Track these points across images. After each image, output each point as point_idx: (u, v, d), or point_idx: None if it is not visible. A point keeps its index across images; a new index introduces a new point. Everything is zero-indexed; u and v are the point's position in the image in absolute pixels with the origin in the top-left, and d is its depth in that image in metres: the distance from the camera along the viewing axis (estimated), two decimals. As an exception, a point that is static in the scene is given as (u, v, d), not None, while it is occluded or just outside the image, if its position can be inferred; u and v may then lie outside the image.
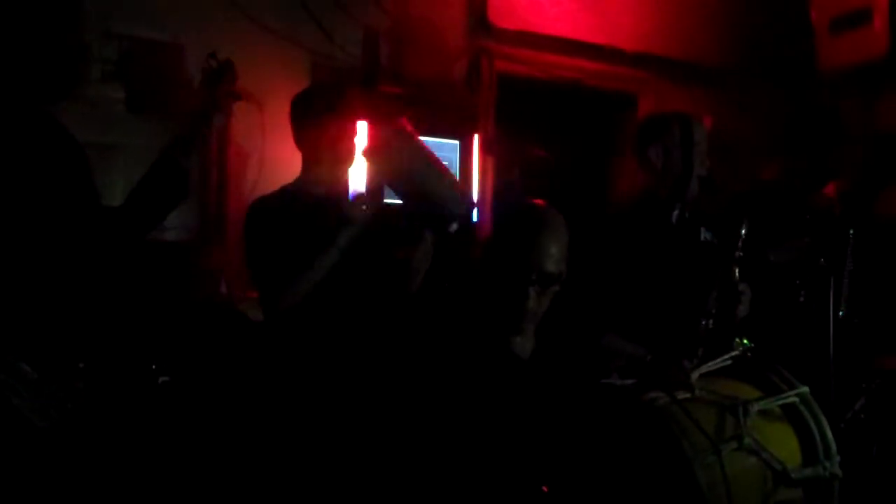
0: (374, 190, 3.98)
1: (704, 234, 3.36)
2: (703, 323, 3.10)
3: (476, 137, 4.96)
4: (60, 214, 2.40)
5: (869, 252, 4.02)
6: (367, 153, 2.95)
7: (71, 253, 2.41)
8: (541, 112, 5.60)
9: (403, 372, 2.72)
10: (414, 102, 4.81)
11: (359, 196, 2.96)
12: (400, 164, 2.89)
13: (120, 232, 2.58)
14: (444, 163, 3.06)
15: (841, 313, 3.24)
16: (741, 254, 3.07)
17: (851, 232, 3.35)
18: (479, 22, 5.30)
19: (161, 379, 3.52)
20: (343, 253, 2.87)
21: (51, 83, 2.45)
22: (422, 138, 3.00)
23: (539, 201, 2.63)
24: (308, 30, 4.78)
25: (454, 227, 2.97)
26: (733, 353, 2.89)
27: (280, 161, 3.62)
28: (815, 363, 3.12)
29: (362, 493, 2.74)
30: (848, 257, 3.32)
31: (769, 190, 3.87)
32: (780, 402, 2.74)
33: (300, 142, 3.06)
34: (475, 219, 4.93)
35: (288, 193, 3.04)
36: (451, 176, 3.13)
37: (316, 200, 3.01)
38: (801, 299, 3.61)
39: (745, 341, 2.97)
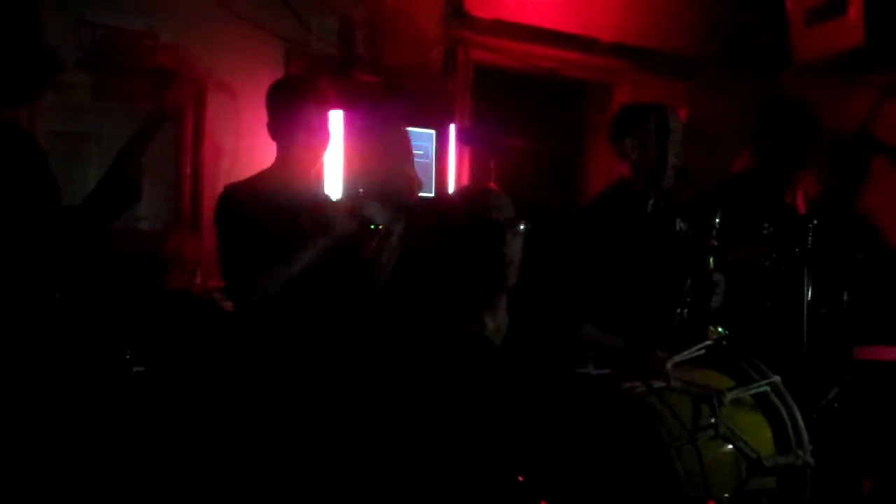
0: (352, 183, 3.98)
1: (679, 224, 3.37)
2: (678, 312, 3.12)
3: (452, 127, 4.94)
4: (19, 216, 2.46)
5: (844, 244, 4.04)
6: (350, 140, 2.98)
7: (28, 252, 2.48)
8: (517, 101, 5.58)
9: (376, 363, 2.72)
10: (390, 91, 4.80)
11: (352, 202, 2.95)
12: (382, 153, 2.91)
13: (73, 231, 2.71)
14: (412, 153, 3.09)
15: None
16: (716, 243, 3.09)
17: (814, 222, 3.36)
18: (456, 11, 5.28)
19: (135, 369, 3.51)
20: (317, 257, 2.87)
21: (17, 86, 2.49)
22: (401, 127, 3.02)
23: (492, 185, 2.69)
24: (283, 18, 4.75)
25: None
26: (707, 343, 2.90)
27: (254, 149, 3.59)
28: (789, 353, 3.13)
29: (337, 481, 2.73)
30: (810, 247, 3.32)
31: (739, 181, 3.88)
32: (753, 392, 2.76)
33: (274, 130, 3.05)
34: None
35: (260, 181, 3.03)
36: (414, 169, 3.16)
37: (289, 189, 2.99)
38: (768, 304, 3.63)
39: (720, 330, 2.99)
